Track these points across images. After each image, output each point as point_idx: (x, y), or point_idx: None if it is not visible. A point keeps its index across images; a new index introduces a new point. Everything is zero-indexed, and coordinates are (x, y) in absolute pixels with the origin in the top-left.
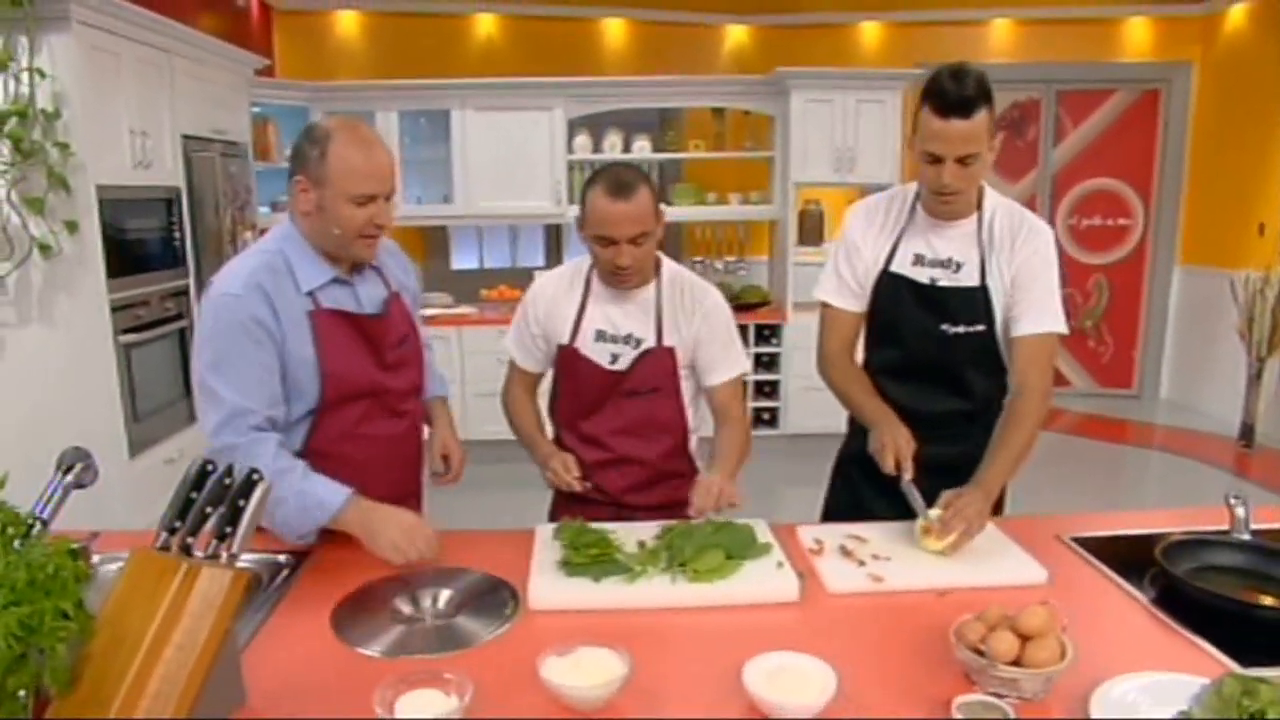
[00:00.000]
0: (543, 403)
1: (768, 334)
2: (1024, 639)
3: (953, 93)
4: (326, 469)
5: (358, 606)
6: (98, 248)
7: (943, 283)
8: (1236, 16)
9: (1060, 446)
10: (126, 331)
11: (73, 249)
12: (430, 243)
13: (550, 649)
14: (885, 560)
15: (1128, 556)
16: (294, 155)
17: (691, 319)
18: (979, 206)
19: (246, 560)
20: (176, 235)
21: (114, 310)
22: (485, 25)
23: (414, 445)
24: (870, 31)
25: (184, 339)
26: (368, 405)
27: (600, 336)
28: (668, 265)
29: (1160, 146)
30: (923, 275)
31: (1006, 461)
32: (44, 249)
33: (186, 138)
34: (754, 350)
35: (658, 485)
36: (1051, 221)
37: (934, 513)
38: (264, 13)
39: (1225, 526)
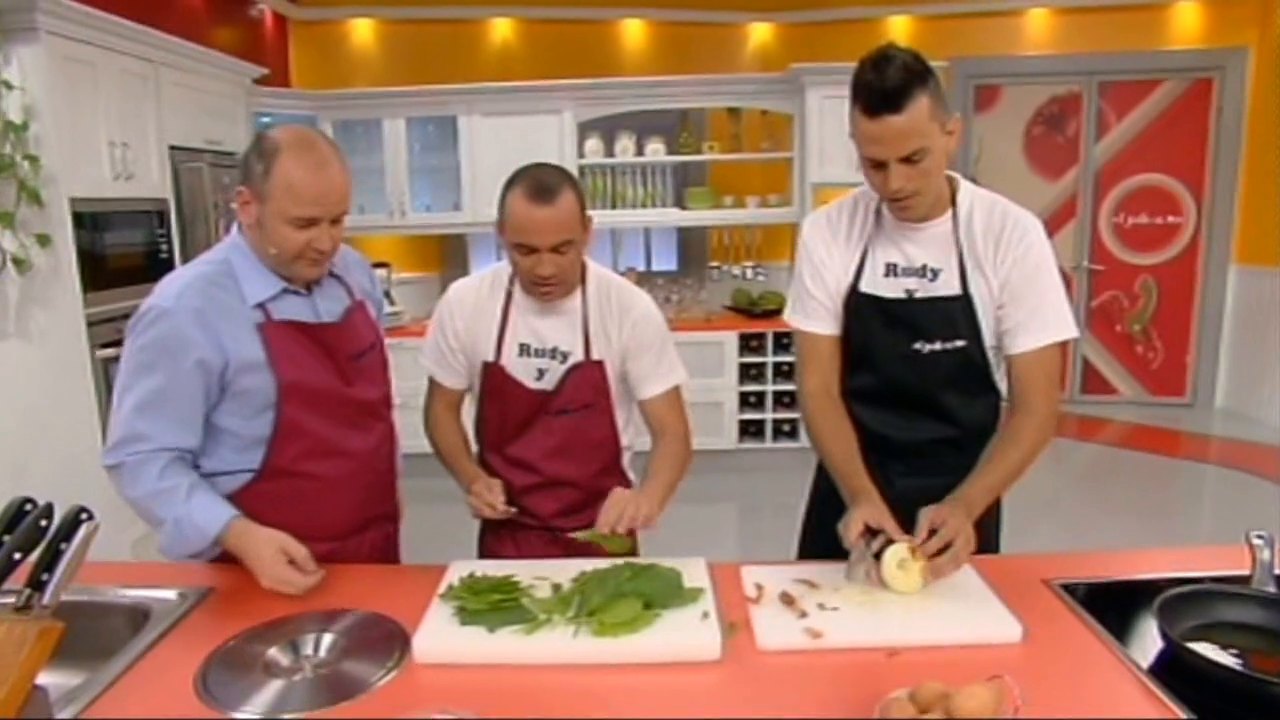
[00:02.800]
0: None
1: (786, 342)
2: None
3: (875, 85)
4: (292, 489)
5: (231, 656)
6: (72, 261)
7: (920, 294)
8: None
9: (1107, 459)
10: (106, 346)
11: (47, 263)
12: (449, 251)
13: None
14: (832, 611)
15: (1129, 606)
16: (241, 164)
17: (620, 328)
18: (953, 202)
19: (138, 595)
20: (164, 248)
21: (92, 324)
22: (501, 30)
23: (385, 461)
24: (899, 26)
25: None
26: (331, 419)
27: (524, 351)
28: (594, 271)
29: (1213, 139)
30: (896, 288)
31: (996, 478)
32: (18, 263)
33: (175, 149)
34: (772, 359)
35: (590, 507)
36: (1095, 220)
37: (900, 548)
38: (279, 23)
39: (1246, 570)
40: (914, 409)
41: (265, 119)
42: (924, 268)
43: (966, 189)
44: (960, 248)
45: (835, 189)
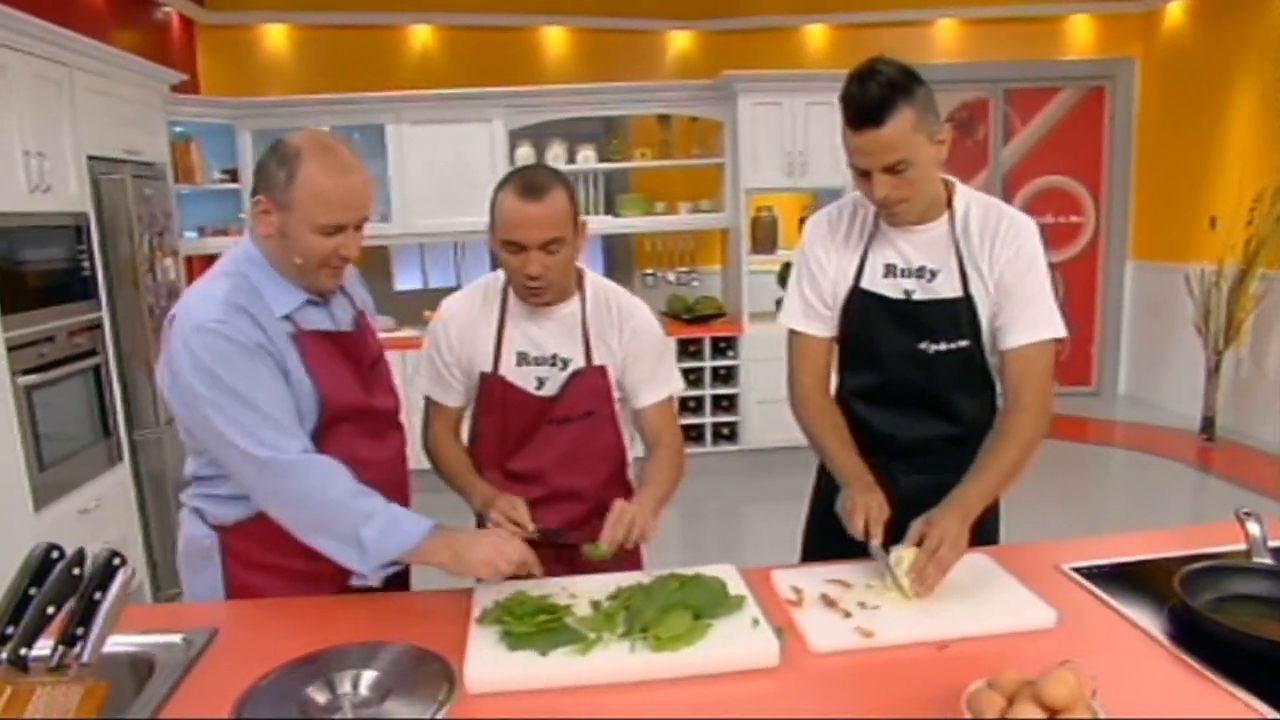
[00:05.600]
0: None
1: (724, 346)
2: (1050, 712)
3: (858, 100)
4: None
5: (262, 699)
6: None
7: (918, 295)
8: (1175, 13)
9: None
10: (27, 372)
11: None
12: (371, 264)
13: None
14: (874, 609)
15: (1136, 585)
16: (258, 172)
17: (620, 336)
18: (949, 205)
19: (138, 643)
20: (86, 265)
21: (11, 349)
22: (421, 37)
23: (401, 472)
24: (815, 34)
25: (99, 376)
26: (355, 429)
27: (522, 359)
28: (591, 278)
29: (1108, 142)
30: (896, 289)
31: (991, 479)
32: None
33: (94, 159)
34: (710, 364)
35: (597, 518)
36: None
37: (904, 553)
38: (185, 27)
39: (1240, 545)
40: (920, 408)
41: (179, 129)
42: (922, 269)
43: (963, 192)
44: (959, 250)
45: (769, 194)
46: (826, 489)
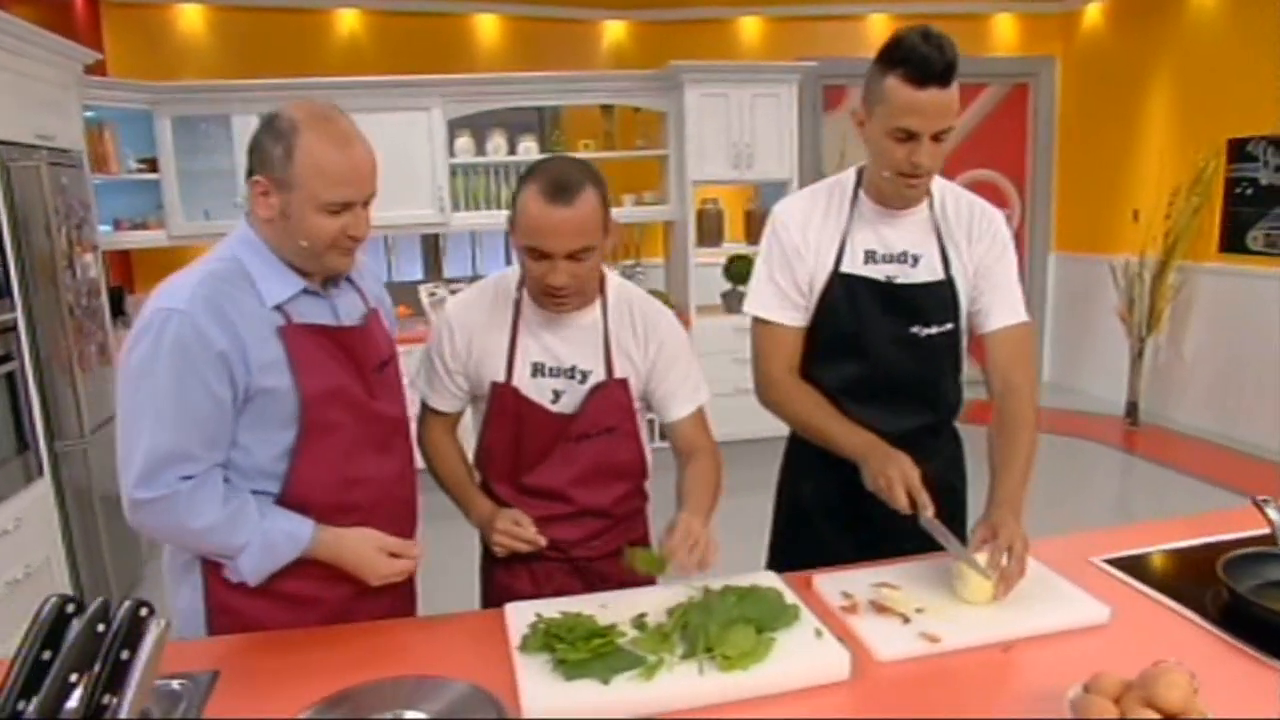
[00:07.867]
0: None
1: None
2: (1165, 715)
3: (933, 58)
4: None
5: None
6: None
7: (901, 280)
8: (1093, 13)
9: None
10: None
11: None
12: None
13: None
14: (932, 614)
15: (1167, 575)
16: (253, 151)
17: (645, 348)
18: (928, 190)
19: None
20: None
21: None
22: (348, 21)
23: (408, 488)
24: (751, 26)
25: (14, 384)
26: (354, 439)
27: (537, 371)
28: (613, 281)
29: (1031, 138)
30: (878, 274)
31: (1022, 468)
32: None
33: (3, 144)
34: None
35: (610, 532)
36: None
37: (979, 558)
38: (90, 4)
39: (1262, 530)
40: (904, 396)
41: (90, 114)
42: (904, 254)
43: (936, 179)
44: (939, 234)
45: (715, 186)
46: (792, 494)
